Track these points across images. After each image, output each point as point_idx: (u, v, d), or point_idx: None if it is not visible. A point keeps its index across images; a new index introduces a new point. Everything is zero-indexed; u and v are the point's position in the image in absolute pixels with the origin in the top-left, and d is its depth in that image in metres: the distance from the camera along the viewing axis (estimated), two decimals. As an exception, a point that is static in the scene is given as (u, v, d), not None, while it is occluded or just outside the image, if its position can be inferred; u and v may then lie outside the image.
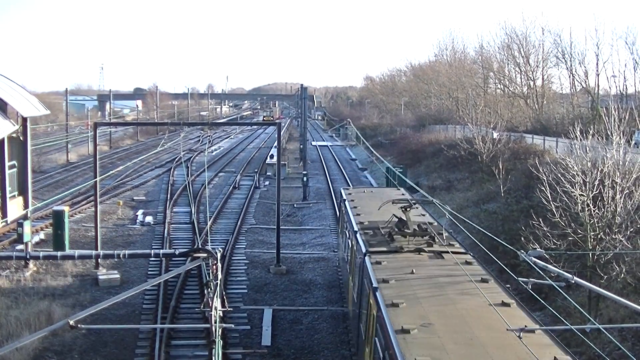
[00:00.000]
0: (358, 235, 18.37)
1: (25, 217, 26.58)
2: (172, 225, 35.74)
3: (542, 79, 62.43)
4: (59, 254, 16.66)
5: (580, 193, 19.10)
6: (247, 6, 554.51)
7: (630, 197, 19.18)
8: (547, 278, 12.96)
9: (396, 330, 10.94)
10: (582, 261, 19.76)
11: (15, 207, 27.17)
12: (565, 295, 13.74)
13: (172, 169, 56.88)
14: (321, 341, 20.40)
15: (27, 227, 25.09)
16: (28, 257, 16.46)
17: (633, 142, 29.73)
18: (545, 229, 19.61)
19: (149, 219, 37.27)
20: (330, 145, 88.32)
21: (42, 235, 31.63)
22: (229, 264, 28.20)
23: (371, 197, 25.13)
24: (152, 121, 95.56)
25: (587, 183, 19.09)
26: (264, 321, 21.67)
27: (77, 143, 77.27)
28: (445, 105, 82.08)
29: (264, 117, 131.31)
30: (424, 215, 20.92)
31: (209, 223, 34.43)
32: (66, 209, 23.89)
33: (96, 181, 27.94)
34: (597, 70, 53.41)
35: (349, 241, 20.70)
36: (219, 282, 11.55)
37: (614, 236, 18.77)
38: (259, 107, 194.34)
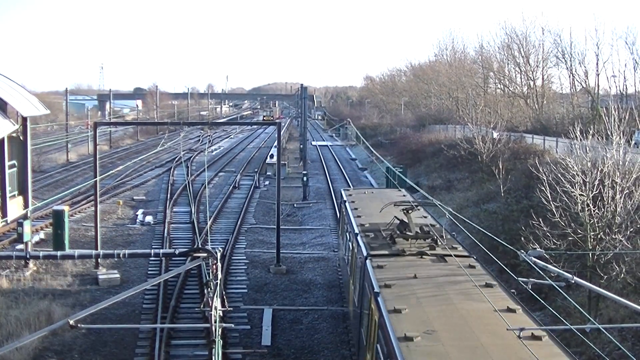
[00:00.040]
0: (359, 237, 18.07)
1: (25, 217, 26.58)
2: (172, 225, 35.74)
3: (542, 78, 62.54)
4: (59, 253, 16.65)
5: (580, 193, 19.09)
6: (247, 6, 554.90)
7: (630, 197, 19.17)
8: (547, 278, 12.92)
9: (399, 337, 10.60)
10: (582, 261, 19.75)
11: (15, 207, 27.18)
12: (565, 295, 13.69)
13: (172, 169, 56.88)
14: (321, 341, 20.40)
15: (27, 227, 25.08)
16: (28, 256, 16.43)
17: (633, 142, 29.73)
18: (545, 229, 19.59)
19: (149, 218, 37.28)
20: (330, 145, 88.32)
21: (42, 235, 31.62)
22: (229, 264, 28.19)
23: (372, 198, 24.85)
24: (152, 121, 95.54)
25: (587, 183, 19.08)
26: (264, 321, 21.66)
27: (77, 143, 77.31)
28: (445, 105, 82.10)
29: (264, 117, 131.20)
30: (425, 217, 20.55)
31: (209, 223, 34.44)
32: (66, 208, 23.86)
33: (96, 181, 27.94)
34: (597, 70, 53.55)
35: (350, 243, 20.38)
36: (218, 281, 11.56)
37: (613, 236, 18.77)
38: (258, 107, 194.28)
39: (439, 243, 16.48)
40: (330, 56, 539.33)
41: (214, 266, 11.72)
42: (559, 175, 20.15)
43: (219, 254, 11.91)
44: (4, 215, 26.17)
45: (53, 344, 19.15)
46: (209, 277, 11.89)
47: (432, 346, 10.35)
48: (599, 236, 18.90)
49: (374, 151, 48.89)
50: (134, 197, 44.39)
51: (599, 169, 19.56)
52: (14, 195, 27.34)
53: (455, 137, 53.18)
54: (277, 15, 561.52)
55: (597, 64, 53.16)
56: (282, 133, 47.45)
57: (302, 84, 63.43)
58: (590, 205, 18.92)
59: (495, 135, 41.96)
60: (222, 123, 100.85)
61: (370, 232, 18.52)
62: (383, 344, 11.46)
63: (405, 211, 18.10)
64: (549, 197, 19.90)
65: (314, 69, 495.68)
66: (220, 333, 12.01)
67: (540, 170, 21.61)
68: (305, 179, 45.73)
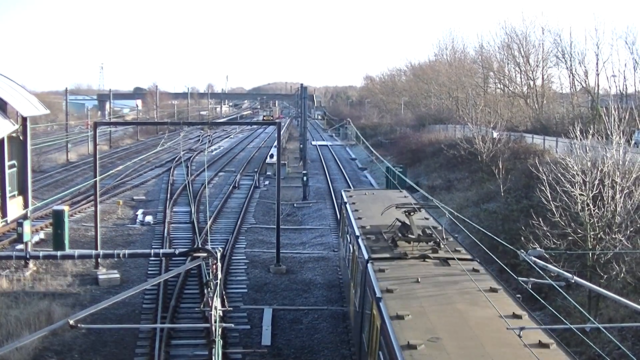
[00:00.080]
0: (360, 240, 17.74)
1: (25, 217, 26.57)
2: (172, 225, 35.74)
3: (542, 78, 62.53)
4: (59, 253, 16.67)
5: (580, 193, 19.09)
6: (247, 6, 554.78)
7: (630, 196, 19.17)
8: (547, 278, 12.86)
9: (402, 345, 10.22)
10: (582, 261, 19.75)
11: (15, 207, 27.18)
12: (565, 295, 13.66)
13: (172, 169, 56.88)
14: (321, 341, 20.39)
15: (27, 227, 25.07)
16: (28, 256, 16.43)
17: (633, 141, 29.72)
18: (545, 228, 19.58)
19: (148, 218, 37.28)
20: (330, 145, 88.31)
21: (42, 235, 31.62)
22: (229, 264, 28.19)
23: (373, 199, 24.48)
24: (152, 121, 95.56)
25: (587, 183, 19.08)
26: (263, 321, 21.66)
27: (77, 142, 77.30)
28: (445, 105, 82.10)
29: (263, 116, 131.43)
30: (427, 218, 20.19)
31: (209, 223, 34.44)
32: (66, 208, 23.87)
33: (96, 181, 27.94)
34: (597, 70, 53.54)
35: (351, 245, 20.01)
36: (218, 281, 11.56)
37: (613, 236, 18.77)
38: (258, 106, 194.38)
39: (442, 246, 16.19)
40: (330, 56, 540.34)
41: (214, 266, 11.73)
42: (559, 175, 20.14)
43: (218, 254, 11.92)
44: (4, 215, 26.16)
45: (53, 344, 19.14)
46: (209, 277, 11.89)
47: (437, 355, 9.99)
48: (599, 236, 18.90)
49: (374, 151, 48.90)
50: (134, 197, 44.38)
51: (599, 168, 19.55)
52: (13, 195, 27.34)
53: (455, 137, 53.18)
54: (277, 15, 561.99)
55: (597, 63, 53.25)
56: (282, 133, 47.48)
57: (302, 84, 63.40)
58: (590, 204, 18.92)
59: (495, 135, 41.95)
60: (222, 123, 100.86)
61: (372, 234, 18.21)
62: (385, 351, 11.09)
63: (407, 213, 17.85)
64: (549, 196, 19.89)
65: (314, 69, 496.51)
66: (220, 333, 12.01)
67: (540, 170, 21.61)
68: (305, 178, 45.73)
